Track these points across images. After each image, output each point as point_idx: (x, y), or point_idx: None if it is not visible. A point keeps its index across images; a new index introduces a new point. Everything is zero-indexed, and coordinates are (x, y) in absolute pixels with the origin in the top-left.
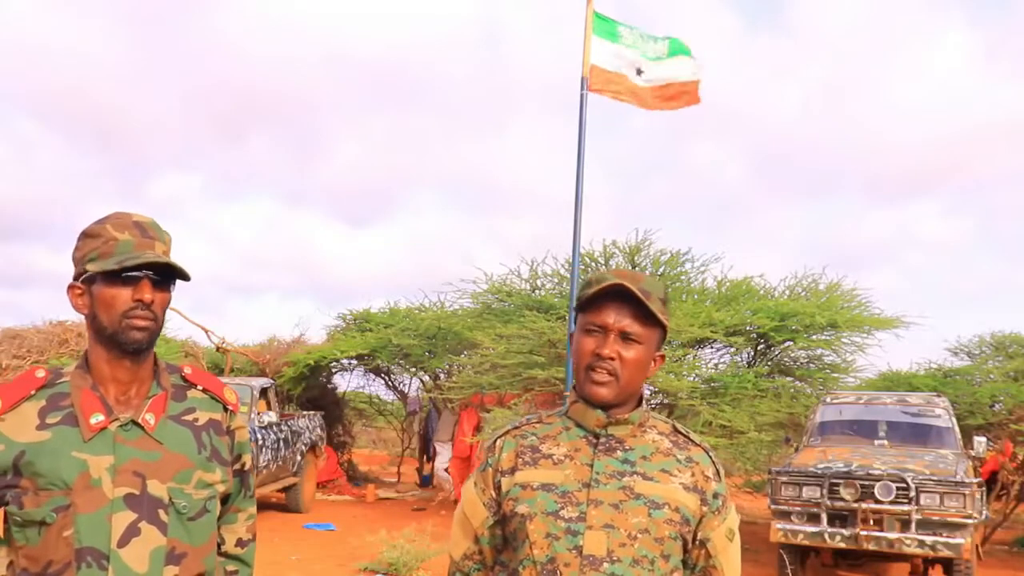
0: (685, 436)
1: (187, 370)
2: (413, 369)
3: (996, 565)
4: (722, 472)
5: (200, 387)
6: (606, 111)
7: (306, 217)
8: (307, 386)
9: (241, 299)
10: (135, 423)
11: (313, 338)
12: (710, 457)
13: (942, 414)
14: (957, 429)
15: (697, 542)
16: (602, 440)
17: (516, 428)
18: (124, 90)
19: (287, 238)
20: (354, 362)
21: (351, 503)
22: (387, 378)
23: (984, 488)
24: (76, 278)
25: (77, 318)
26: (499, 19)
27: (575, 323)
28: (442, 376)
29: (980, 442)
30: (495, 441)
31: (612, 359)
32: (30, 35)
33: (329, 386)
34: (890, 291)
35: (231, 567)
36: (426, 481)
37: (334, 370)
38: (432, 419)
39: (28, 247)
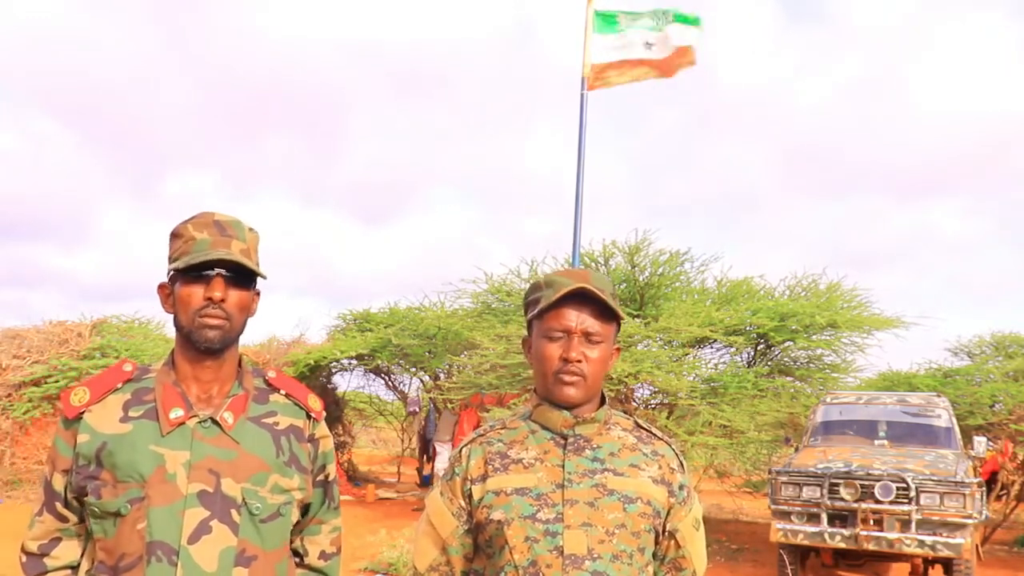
0: (647, 431)
1: (271, 374)
2: (413, 369)
3: (996, 565)
4: (685, 464)
5: (283, 392)
6: (632, 107)
7: (319, 215)
8: (307, 386)
9: None
10: (214, 421)
11: (313, 338)
12: (673, 450)
13: (942, 414)
14: (957, 429)
15: (666, 533)
16: (570, 440)
17: (481, 436)
18: (140, 88)
19: (300, 236)
20: (354, 362)
21: (351, 503)
22: (387, 378)
23: (984, 488)
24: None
25: (77, 318)
26: (523, 18)
27: (529, 328)
28: (442, 376)
29: (980, 442)
30: (461, 450)
31: (579, 361)
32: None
33: (329, 386)
34: (907, 290)
35: None
36: (426, 481)
37: (334, 370)
38: (432, 419)
39: (38, 247)
